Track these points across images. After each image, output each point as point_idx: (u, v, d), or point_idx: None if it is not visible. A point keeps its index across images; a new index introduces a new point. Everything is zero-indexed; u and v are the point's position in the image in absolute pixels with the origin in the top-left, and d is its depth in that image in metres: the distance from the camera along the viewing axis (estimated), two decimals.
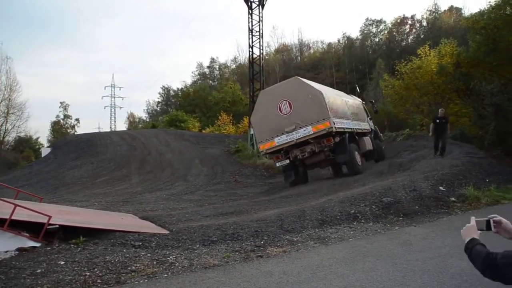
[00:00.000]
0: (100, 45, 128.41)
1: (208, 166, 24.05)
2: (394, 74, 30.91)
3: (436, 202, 9.56)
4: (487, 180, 12.49)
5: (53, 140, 55.72)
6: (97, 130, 54.72)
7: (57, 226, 6.65)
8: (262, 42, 26.14)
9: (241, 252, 6.24)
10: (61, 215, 7.80)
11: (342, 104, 16.86)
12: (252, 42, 26.10)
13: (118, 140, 30.72)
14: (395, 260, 5.46)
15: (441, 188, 10.67)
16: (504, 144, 18.34)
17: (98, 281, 4.98)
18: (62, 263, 5.53)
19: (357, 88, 28.16)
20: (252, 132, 26.13)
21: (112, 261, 5.69)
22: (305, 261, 5.64)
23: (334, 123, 14.47)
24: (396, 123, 33.20)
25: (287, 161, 15.10)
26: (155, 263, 5.72)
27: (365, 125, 19.26)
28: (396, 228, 7.66)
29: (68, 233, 6.82)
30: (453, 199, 9.93)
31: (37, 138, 57.62)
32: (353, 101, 19.44)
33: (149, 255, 6.07)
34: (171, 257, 5.98)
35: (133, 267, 5.49)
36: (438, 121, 15.20)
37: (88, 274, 5.17)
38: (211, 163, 24.90)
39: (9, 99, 49.14)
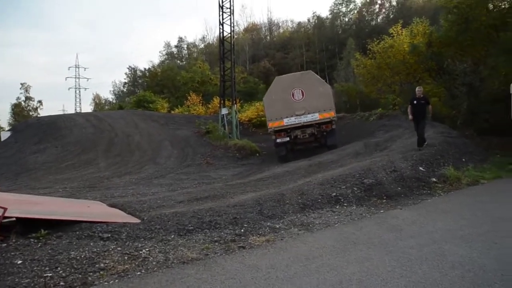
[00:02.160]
0: (62, 25, 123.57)
1: (178, 148, 23.30)
2: (365, 53, 30.72)
3: (418, 183, 9.35)
4: (463, 159, 12.43)
5: (14, 124, 53.19)
6: (61, 112, 52.23)
7: (14, 219, 5.94)
8: (233, 19, 25.29)
9: (221, 242, 5.74)
10: (20, 205, 7.06)
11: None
12: (223, 19, 25.18)
13: (83, 122, 29.38)
14: (388, 248, 5.08)
15: (421, 168, 10.47)
16: (476, 124, 18.42)
17: (61, 283, 4.36)
18: (20, 262, 4.86)
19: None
20: (223, 112, 25.55)
21: (78, 257, 5.07)
22: (292, 251, 5.18)
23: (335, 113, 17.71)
24: (368, 102, 33.17)
25: (287, 138, 17.60)
26: (126, 258, 5.13)
27: None
28: (381, 211, 7.33)
29: (28, 226, 6.11)
30: (434, 179, 9.74)
31: None
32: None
33: (119, 249, 5.47)
34: (143, 250, 5.41)
35: (102, 264, 4.89)
36: (415, 102, 12.74)
37: (49, 275, 4.53)
38: (181, 144, 24.13)
39: None
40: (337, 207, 7.78)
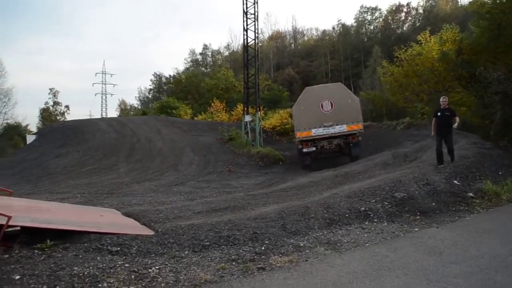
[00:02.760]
0: (91, 33, 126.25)
1: (200, 155, 22.95)
2: (391, 61, 29.96)
3: (454, 198, 8.61)
4: (500, 173, 11.57)
5: (41, 128, 54.11)
6: (88, 117, 52.90)
7: (19, 228, 5.55)
8: (257, 25, 24.92)
9: (239, 262, 5.21)
10: (29, 212, 6.70)
11: None
12: (247, 25, 24.82)
13: (106, 127, 29.43)
14: (428, 275, 4.45)
15: (455, 181, 9.72)
16: (510, 134, 17.45)
17: None
18: (18, 277, 4.44)
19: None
20: (246, 119, 25.12)
21: (81, 274, 4.62)
22: (318, 276, 4.60)
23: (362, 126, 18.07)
24: (394, 111, 32.30)
25: (314, 148, 17.69)
26: (133, 277, 4.65)
27: None
28: (416, 229, 6.68)
29: (34, 235, 5.73)
30: (471, 194, 8.98)
31: (27, 125, 55.93)
32: None
33: (127, 265, 5.01)
34: (153, 268, 4.93)
35: (105, 284, 4.42)
36: (439, 114, 11.15)
37: None
38: (203, 151, 23.78)
39: None
40: (367, 223, 7.16)
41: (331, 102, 17.80)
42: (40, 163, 21.81)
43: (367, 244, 5.89)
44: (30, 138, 29.88)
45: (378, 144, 21.86)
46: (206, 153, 23.29)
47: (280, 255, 5.47)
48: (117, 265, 4.99)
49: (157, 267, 4.97)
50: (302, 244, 5.95)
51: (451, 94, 21.93)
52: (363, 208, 7.78)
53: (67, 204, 9.52)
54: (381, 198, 8.28)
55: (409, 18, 70.86)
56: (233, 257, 5.39)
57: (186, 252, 5.60)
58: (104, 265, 4.99)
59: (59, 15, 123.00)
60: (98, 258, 5.24)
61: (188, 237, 6.17)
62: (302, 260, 5.27)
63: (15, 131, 48.76)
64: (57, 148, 24.58)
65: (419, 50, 25.87)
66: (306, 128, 17.74)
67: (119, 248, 5.60)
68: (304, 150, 17.82)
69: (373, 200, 8.19)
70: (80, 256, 5.25)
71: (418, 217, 7.48)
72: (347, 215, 7.55)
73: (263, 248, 5.78)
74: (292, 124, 23.45)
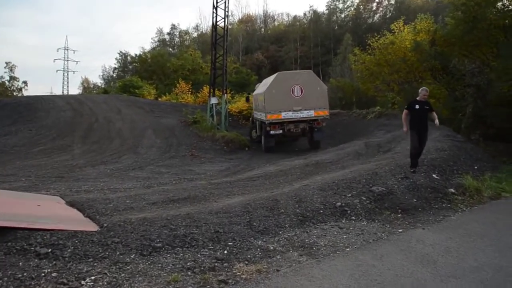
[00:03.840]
0: (55, 6, 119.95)
1: (162, 137, 21.67)
2: (363, 49, 29.43)
3: (435, 194, 7.96)
4: (476, 167, 11.09)
5: None
6: (46, 94, 50.13)
7: None
8: (228, 2, 23.67)
9: (196, 271, 4.25)
10: None
11: None
12: (217, 2, 23.55)
13: (63, 105, 27.51)
14: None
15: (434, 176, 9.10)
16: (481, 128, 17.19)
17: None
18: None
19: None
20: (212, 102, 23.99)
21: None
22: None
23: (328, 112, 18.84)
24: (364, 100, 31.79)
25: (281, 131, 18.22)
26: None
27: None
28: (400, 230, 5.91)
29: None
30: (452, 190, 8.35)
31: None
32: None
33: (54, 274, 3.97)
34: (88, 279, 3.91)
35: None
36: (418, 107, 9.34)
37: None
38: (165, 134, 22.49)
39: None
40: (344, 221, 6.36)
41: (301, 88, 18.21)
42: None
43: (348, 249, 5.05)
44: None
45: (348, 132, 21.40)
46: (169, 136, 22.04)
47: (246, 262, 4.55)
48: (42, 275, 3.96)
49: (92, 278, 3.95)
50: (272, 248, 5.05)
51: (422, 85, 21.56)
52: (339, 204, 6.98)
53: (1, 190, 8.25)
54: (358, 192, 7.51)
55: (381, 8, 70.87)
56: (189, 264, 4.43)
57: (133, 256, 4.60)
58: (26, 274, 3.95)
59: None
60: (20, 263, 4.19)
61: (137, 236, 5.17)
62: (272, 269, 4.37)
63: None
64: (7, 126, 22.63)
65: (392, 39, 25.30)
66: (276, 111, 18.12)
67: (49, 250, 4.56)
68: (272, 132, 18.27)
69: (349, 194, 7.41)
70: None
71: (400, 215, 6.74)
72: (321, 211, 6.73)
73: (225, 252, 4.85)
74: (251, 107, 23.08)
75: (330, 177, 9.39)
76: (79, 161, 15.88)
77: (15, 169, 13.92)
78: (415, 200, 7.45)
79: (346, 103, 33.39)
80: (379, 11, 70.92)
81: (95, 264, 4.32)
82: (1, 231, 4.94)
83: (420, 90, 9.78)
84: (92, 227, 5.73)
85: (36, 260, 4.32)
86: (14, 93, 66.89)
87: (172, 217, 6.18)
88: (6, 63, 70.04)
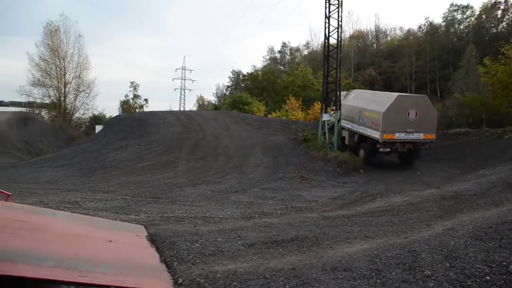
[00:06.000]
0: (173, 31, 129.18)
1: (269, 156, 20.21)
2: (493, 60, 25.64)
3: None
4: None
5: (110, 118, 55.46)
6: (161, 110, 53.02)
7: None
8: (341, 11, 21.68)
9: None
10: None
11: None
12: (329, 12, 21.74)
13: (173, 121, 27.64)
14: None
15: None
16: None
17: None
18: None
19: None
20: (324, 118, 22.05)
21: None
22: None
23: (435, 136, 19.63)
24: (495, 117, 27.38)
25: (389, 149, 19.02)
26: None
27: None
28: None
29: None
30: None
31: (110, 116, 57.24)
32: None
33: None
34: None
35: None
36: None
37: None
38: (273, 152, 21.01)
39: (80, 76, 49.71)
40: None
41: (416, 112, 18.87)
42: (98, 155, 20.34)
43: None
44: (98, 129, 29.08)
45: (481, 154, 18.75)
46: (277, 155, 20.54)
47: None
48: None
49: None
50: None
51: None
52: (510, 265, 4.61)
53: (80, 215, 7.16)
54: None
55: (507, 16, 62.90)
56: None
57: None
58: None
59: (148, 13, 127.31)
60: None
61: None
62: None
63: (99, 121, 49.72)
64: (119, 140, 23.12)
65: None
66: (392, 131, 18.77)
67: None
68: (381, 149, 19.13)
69: None
70: None
71: None
72: (488, 277, 4.42)
73: None
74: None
75: (482, 217, 6.96)
76: (181, 179, 15.04)
77: (117, 185, 13.45)
78: None
79: (473, 120, 29.14)
80: (505, 19, 63.08)
81: None
82: (43, 284, 3.58)
83: None
84: (161, 284, 4.15)
85: None
86: (137, 110, 71.95)
87: (272, 273, 4.43)
88: (131, 82, 75.66)
